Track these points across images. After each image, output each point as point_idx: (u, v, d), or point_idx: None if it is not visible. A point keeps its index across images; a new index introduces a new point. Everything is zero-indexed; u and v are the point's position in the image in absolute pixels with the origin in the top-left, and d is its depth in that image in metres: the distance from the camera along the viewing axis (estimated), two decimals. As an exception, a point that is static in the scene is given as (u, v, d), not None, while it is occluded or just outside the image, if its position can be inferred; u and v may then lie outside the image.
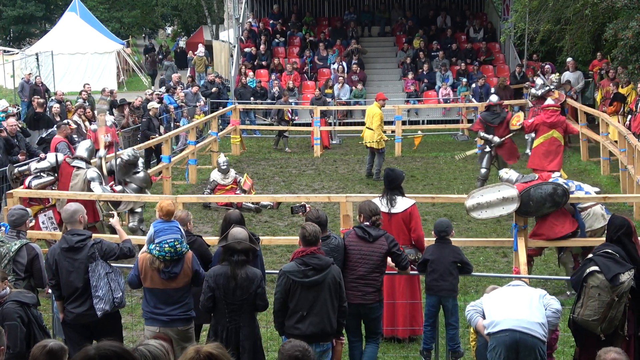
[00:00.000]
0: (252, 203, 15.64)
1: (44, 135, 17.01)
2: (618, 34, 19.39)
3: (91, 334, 7.95)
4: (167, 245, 7.53)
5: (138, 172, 13.21)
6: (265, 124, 25.73)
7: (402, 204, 9.28)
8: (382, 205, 9.13)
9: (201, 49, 38.44)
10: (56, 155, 12.14)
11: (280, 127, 22.97)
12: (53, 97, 21.94)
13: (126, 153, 13.11)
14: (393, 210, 9.22)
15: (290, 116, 23.29)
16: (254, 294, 7.20)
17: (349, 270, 8.02)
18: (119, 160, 12.97)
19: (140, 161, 13.53)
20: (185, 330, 7.76)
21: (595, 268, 7.36)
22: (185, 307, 7.70)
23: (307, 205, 8.90)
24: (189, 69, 36.90)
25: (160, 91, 24.23)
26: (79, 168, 12.08)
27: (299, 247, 7.45)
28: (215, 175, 16.49)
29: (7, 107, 18.98)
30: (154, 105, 20.48)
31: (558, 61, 26.85)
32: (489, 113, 17.07)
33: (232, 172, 16.60)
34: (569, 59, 24.03)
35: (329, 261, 7.42)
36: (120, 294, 7.89)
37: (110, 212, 9.03)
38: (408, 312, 9.48)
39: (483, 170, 16.85)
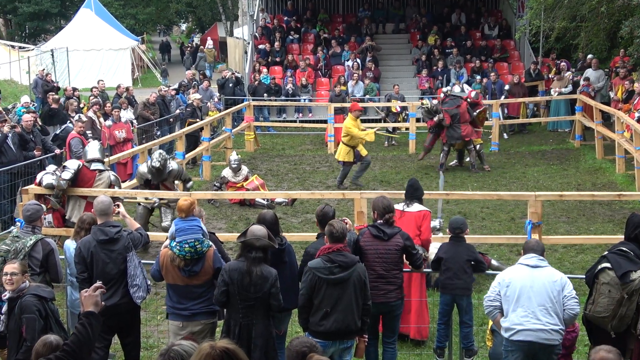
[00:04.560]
0: (266, 200, 15.66)
1: (58, 132, 17.06)
2: (634, 31, 19.30)
3: (116, 326, 8.03)
4: (187, 246, 7.56)
5: (171, 169, 13.16)
6: (280, 120, 25.82)
7: (418, 207, 9.40)
8: (399, 206, 9.25)
9: (210, 42, 39.10)
10: (78, 165, 11.98)
11: (392, 124, 22.70)
12: (64, 94, 22.04)
13: (155, 159, 12.83)
14: (407, 210, 9.32)
15: (398, 109, 22.99)
16: (267, 292, 7.18)
17: (368, 270, 8.00)
18: (147, 168, 13.01)
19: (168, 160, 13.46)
20: (209, 324, 7.80)
21: (607, 265, 7.36)
22: (208, 302, 7.70)
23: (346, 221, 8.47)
24: (194, 65, 37.16)
25: (174, 87, 24.28)
26: (100, 171, 12.10)
27: (326, 244, 7.45)
28: (227, 173, 16.50)
29: (28, 102, 19.04)
30: (196, 96, 21.18)
31: (573, 58, 26.74)
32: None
33: (244, 170, 16.57)
34: (589, 56, 23.91)
35: (355, 259, 7.41)
36: (149, 281, 8.11)
37: (116, 203, 9.02)
38: (418, 310, 9.49)
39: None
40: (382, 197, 8.49)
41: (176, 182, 13.58)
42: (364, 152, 17.20)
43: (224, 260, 7.97)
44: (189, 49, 42.53)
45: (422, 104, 19.09)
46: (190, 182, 13.98)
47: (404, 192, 9.70)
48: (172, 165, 13.30)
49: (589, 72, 23.24)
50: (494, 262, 11.46)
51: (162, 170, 12.92)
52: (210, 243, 7.78)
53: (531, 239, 8.42)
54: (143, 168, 13.19)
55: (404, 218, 9.19)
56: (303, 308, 7.38)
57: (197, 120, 20.07)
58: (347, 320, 7.27)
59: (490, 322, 7.96)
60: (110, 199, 8.31)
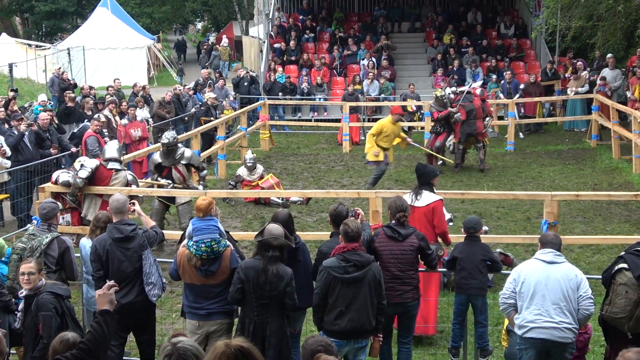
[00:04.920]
0: (281, 199, 15.68)
1: (75, 131, 17.12)
2: (651, 30, 19.18)
3: (131, 324, 8.06)
4: (203, 245, 7.55)
5: (183, 151, 13.36)
6: (295, 119, 25.84)
7: (427, 198, 9.32)
8: (409, 198, 9.23)
9: (225, 40, 39.36)
10: (96, 164, 12.03)
11: (407, 124, 22.43)
12: (81, 92, 22.15)
13: (165, 137, 13.18)
14: (416, 204, 9.26)
15: (414, 108, 22.83)
16: (282, 291, 7.19)
17: (383, 271, 7.99)
18: (158, 153, 13.29)
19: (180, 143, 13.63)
20: (225, 324, 7.78)
21: (624, 265, 7.33)
22: (225, 301, 7.68)
23: (357, 212, 8.72)
24: (208, 63, 37.27)
25: (191, 87, 24.34)
26: (117, 171, 12.15)
27: (341, 243, 7.44)
28: (242, 172, 16.53)
29: (45, 101, 19.14)
30: (210, 95, 21.22)
31: (590, 58, 26.61)
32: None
33: (259, 169, 16.59)
34: (609, 55, 23.76)
35: (370, 258, 7.41)
36: (164, 279, 8.14)
37: (131, 201, 9.07)
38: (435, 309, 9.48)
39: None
40: (396, 197, 8.49)
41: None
42: (391, 157, 16.86)
43: (239, 259, 7.98)
44: (205, 47, 42.66)
45: (438, 91, 18.96)
46: (205, 172, 14.06)
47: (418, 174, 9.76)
48: (185, 149, 13.53)
49: (606, 72, 23.11)
50: (516, 261, 11.42)
51: (172, 149, 13.07)
52: (228, 243, 7.77)
53: (549, 232, 8.38)
54: (155, 155, 13.33)
55: (414, 214, 9.12)
56: (317, 307, 7.37)
57: (211, 118, 20.09)
58: (361, 319, 7.26)
59: (506, 322, 7.93)
60: (125, 197, 8.33)
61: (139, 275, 7.90)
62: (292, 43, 28.92)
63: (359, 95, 24.25)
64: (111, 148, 12.40)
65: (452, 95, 18.92)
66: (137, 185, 12.61)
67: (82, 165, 11.95)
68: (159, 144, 15.62)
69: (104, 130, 16.38)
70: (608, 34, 23.89)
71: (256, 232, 7.75)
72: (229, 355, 3.99)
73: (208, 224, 7.69)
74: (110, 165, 12.12)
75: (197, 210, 7.83)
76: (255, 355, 4.06)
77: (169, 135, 13.15)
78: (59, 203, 9.69)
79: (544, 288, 7.12)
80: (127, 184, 12.17)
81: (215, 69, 33.69)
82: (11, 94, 19.84)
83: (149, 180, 13.96)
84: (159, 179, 13.22)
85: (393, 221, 8.25)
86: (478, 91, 19.32)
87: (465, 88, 19.49)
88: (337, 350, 5.48)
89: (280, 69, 27.10)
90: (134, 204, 8.88)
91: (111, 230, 8.00)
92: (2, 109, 16.78)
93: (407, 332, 8.32)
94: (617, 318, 7.25)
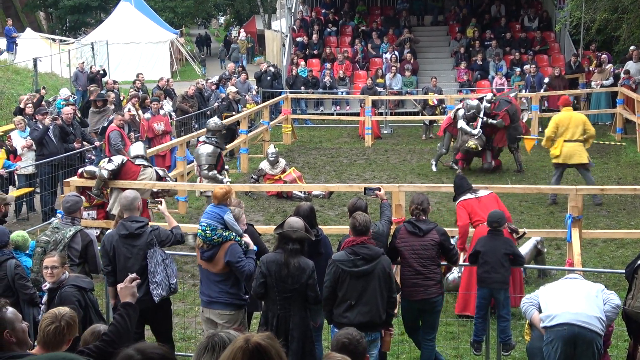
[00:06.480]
0: (303, 192, 15.69)
1: (105, 125, 17.19)
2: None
3: (144, 320, 8.08)
4: (200, 228, 7.69)
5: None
6: (317, 113, 25.83)
7: (484, 191, 10.19)
8: (470, 195, 10.03)
9: (242, 33, 39.74)
10: (122, 159, 12.15)
11: (429, 117, 22.52)
12: (104, 87, 22.28)
13: (221, 122, 13.62)
14: (479, 195, 10.04)
15: (435, 102, 22.76)
16: (305, 284, 7.20)
17: (406, 267, 7.99)
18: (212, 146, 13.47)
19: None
20: (226, 315, 7.77)
21: None
22: (227, 294, 7.73)
23: (378, 190, 8.95)
24: (227, 56, 37.38)
25: (214, 81, 24.39)
26: (145, 167, 12.23)
27: (350, 237, 7.44)
28: (264, 165, 16.55)
29: (68, 95, 19.25)
30: (231, 89, 21.12)
31: (615, 51, 26.36)
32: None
33: (282, 163, 16.61)
34: (631, 47, 23.52)
35: (379, 251, 7.40)
36: (175, 280, 8.10)
37: (157, 199, 9.12)
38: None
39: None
40: (417, 193, 8.63)
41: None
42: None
43: (261, 252, 8.01)
44: (234, 40, 42.77)
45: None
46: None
47: (455, 187, 10.28)
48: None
49: (630, 65, 22.91)
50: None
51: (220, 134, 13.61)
52: (230, 236, 7.73)
53: None
54: (210, 148, 13.26)
55: (481, 201, 9.91)
56: (327, 300, 7.38)
57: (233, 113, 20.09)
58: (371, 312, 7.25)
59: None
60: (136, 194, 8.35)
61: (146, 274, 7.89)
62: (314, 37, 28.90)
63: (377, 88, 24.20)
64: (137, 147, 12.53)
65: (487, 104, 17.74)
66: (169, 178, 12.70)
67: (109, 160, 12.06)
68: (181, 139, 15.69)
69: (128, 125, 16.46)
70: (633, 26, 23.67)
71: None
72: (245, 351, 3.97)
73: (214, 211, 7.77)
74: (139, 162, 12.21)
75: (213, 198, 7.94)
76: (271, 354, 4.01)
77: (215, 121, 13.70)
78: (83, 198, 9.75)
79: (568, 287, 7.15)
80: (159, 179, 12.25)
81: (235, 62, 33.77)
82: (43, 91, 20.11)
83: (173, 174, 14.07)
84: (216, 174, 13.17)
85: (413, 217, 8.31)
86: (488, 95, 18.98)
87: (502, 94, 19.21)
88: (365, 345, 5.46)
89: (302, 62, 27.10)
90: (160, 202, 8.93)
91: (119, 226, 8.08)
92: (30, 105, 17.02)
93: (432, 328, 8.30)
94: (640, 312, 7.20)
